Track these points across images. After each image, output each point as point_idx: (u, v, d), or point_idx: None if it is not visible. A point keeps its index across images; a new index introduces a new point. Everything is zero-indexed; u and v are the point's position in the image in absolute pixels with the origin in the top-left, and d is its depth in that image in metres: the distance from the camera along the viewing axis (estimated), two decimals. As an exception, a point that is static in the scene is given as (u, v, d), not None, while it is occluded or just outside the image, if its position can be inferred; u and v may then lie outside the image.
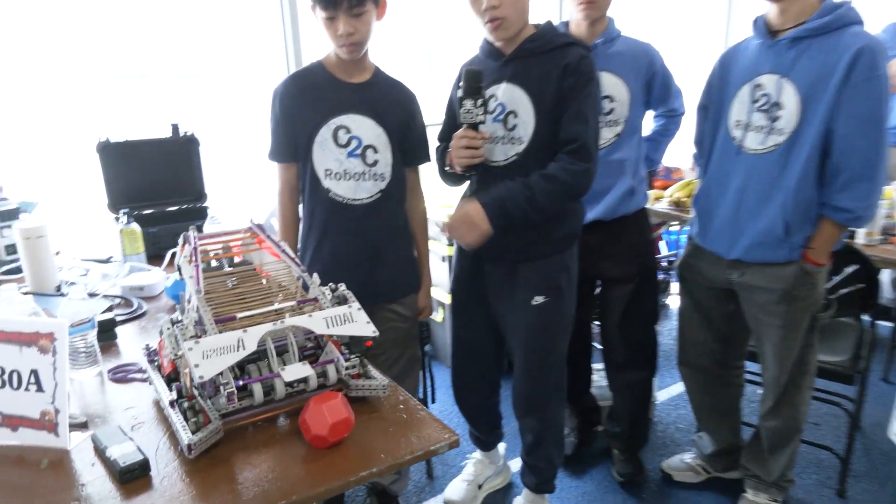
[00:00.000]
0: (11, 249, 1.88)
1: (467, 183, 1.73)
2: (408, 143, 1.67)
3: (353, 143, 1.58)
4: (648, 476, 2.20)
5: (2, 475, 0.96)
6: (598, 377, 2.38)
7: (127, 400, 1.17)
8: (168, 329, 1.05)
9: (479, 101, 1.48)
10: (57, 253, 2.05)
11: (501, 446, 2.18)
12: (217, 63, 2.85)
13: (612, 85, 1.90)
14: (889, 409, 2.39)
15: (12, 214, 1.96)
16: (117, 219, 1.90)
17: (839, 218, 1.58)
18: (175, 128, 2.16)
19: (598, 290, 2.19)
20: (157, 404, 1.14)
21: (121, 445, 0.99)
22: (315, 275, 1.18)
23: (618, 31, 1.93)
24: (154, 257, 1.96)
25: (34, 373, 1.03)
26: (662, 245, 3.84)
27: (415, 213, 1.76)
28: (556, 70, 1.53)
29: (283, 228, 1.70)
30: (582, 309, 1.93)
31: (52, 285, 1.72)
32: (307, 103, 1.59)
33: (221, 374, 0.97)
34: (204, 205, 2.24)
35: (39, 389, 1.03)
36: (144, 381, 1.22)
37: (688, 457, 2.19)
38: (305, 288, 1.20)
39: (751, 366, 2.03)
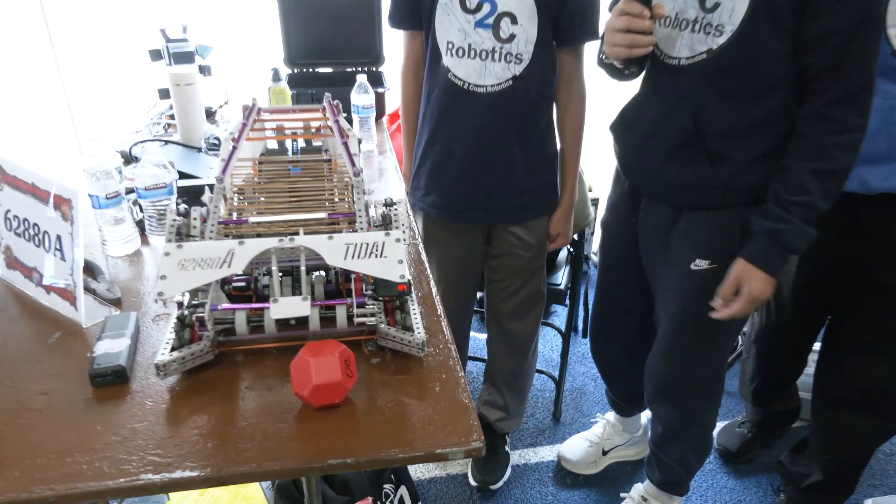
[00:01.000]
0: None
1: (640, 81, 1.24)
2: (566, 12, 1.22)
3: (485, 9, 1.19)
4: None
5: (6, 344, 0.92)
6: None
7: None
8: (172, 224, 0.88)
9: None
10: (224, 103, 2.05)
11: (645, 415, 1.81)
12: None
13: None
14: None
15: (188, 57, 1.95)
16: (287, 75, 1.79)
17: None
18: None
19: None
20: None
21: (115, 341, 0.88)
22: (362, 178, 0.91)
23: None
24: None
25: (59, 239, 0.95)
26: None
27: (567, 112, 1.34)
28: None
29: (404, 112, 1.43)
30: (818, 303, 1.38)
31: (198, 139, 1.70)
32: None
33: (198, 293, 0.78)
34: (379, 69, 2.05)
35: (62, 258, 0.95)
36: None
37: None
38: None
39: None
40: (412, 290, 0.98)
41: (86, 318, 0.94)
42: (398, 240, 0.82)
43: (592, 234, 2.53)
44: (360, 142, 1.10)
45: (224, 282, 0.88)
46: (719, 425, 1.85)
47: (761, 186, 1.10)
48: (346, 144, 0.96)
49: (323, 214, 0.87)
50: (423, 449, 0.75)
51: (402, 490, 1.53)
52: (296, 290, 0.92)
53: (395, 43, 1.54)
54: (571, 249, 1.95)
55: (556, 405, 1.99)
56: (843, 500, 1.58)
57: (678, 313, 1.26)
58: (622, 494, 1.64)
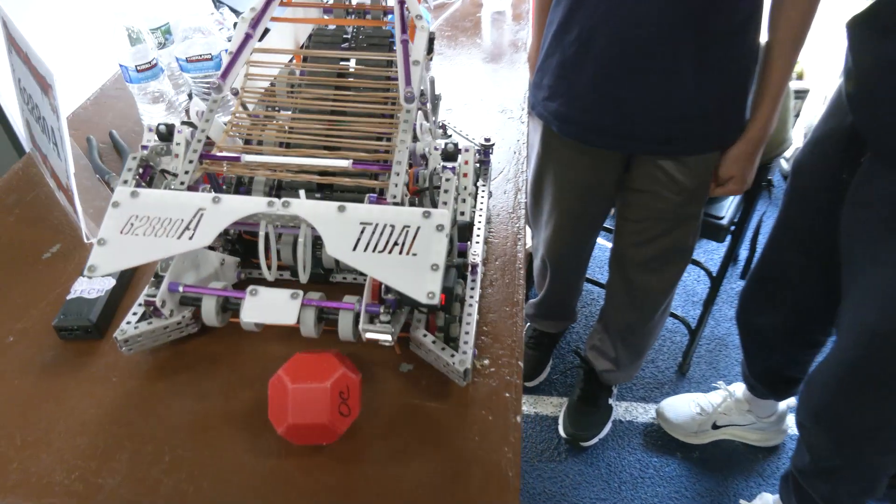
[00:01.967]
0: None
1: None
2: None
3: None
4: None
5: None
6: None
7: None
8: (136, 154, 0.63)
9: None
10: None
11: (783, 404, 1.43)
12: None
13: None
14: None
15: None
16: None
17: None
18: None
19: None
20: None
21: (99, 280, 0.70)
22: (419, 105, 0.59)
23: None
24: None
25: (54, 131, 0.76)
26: None
27: (780, 14, 0.87)
28: None
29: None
30: None
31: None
32: None
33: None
34: None
35: (59, 156, 0.77)
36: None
37: None
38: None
39: None
40: (478, 269, 0.69)
41: (88, 230, 0.78)
42: (440, 227, 0.52)
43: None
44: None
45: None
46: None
47: None
48: (402, 20, 0.62)
49: (345, 162, 0.57)
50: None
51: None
52: (317, 251, 0.67)
53: None
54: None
55: (686, 357, 1.65)
56: None
57: (880, 329, 0.85)
58: (741, 502, 1.33)
